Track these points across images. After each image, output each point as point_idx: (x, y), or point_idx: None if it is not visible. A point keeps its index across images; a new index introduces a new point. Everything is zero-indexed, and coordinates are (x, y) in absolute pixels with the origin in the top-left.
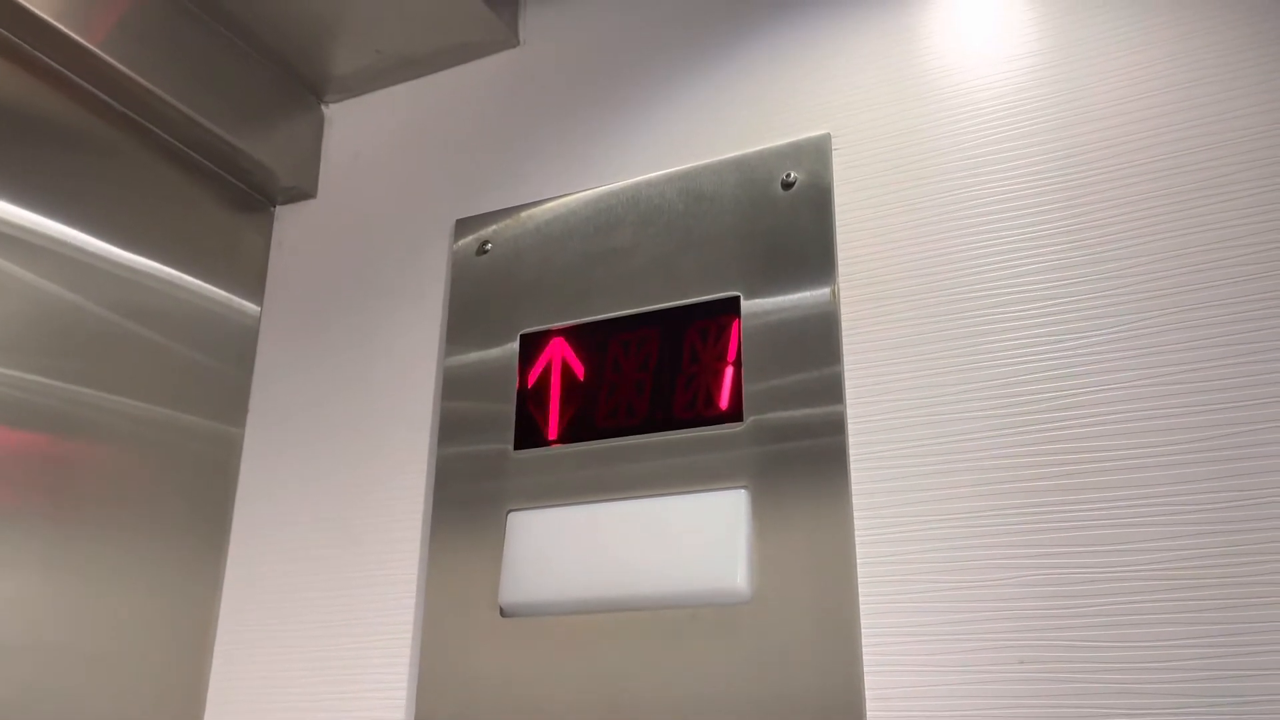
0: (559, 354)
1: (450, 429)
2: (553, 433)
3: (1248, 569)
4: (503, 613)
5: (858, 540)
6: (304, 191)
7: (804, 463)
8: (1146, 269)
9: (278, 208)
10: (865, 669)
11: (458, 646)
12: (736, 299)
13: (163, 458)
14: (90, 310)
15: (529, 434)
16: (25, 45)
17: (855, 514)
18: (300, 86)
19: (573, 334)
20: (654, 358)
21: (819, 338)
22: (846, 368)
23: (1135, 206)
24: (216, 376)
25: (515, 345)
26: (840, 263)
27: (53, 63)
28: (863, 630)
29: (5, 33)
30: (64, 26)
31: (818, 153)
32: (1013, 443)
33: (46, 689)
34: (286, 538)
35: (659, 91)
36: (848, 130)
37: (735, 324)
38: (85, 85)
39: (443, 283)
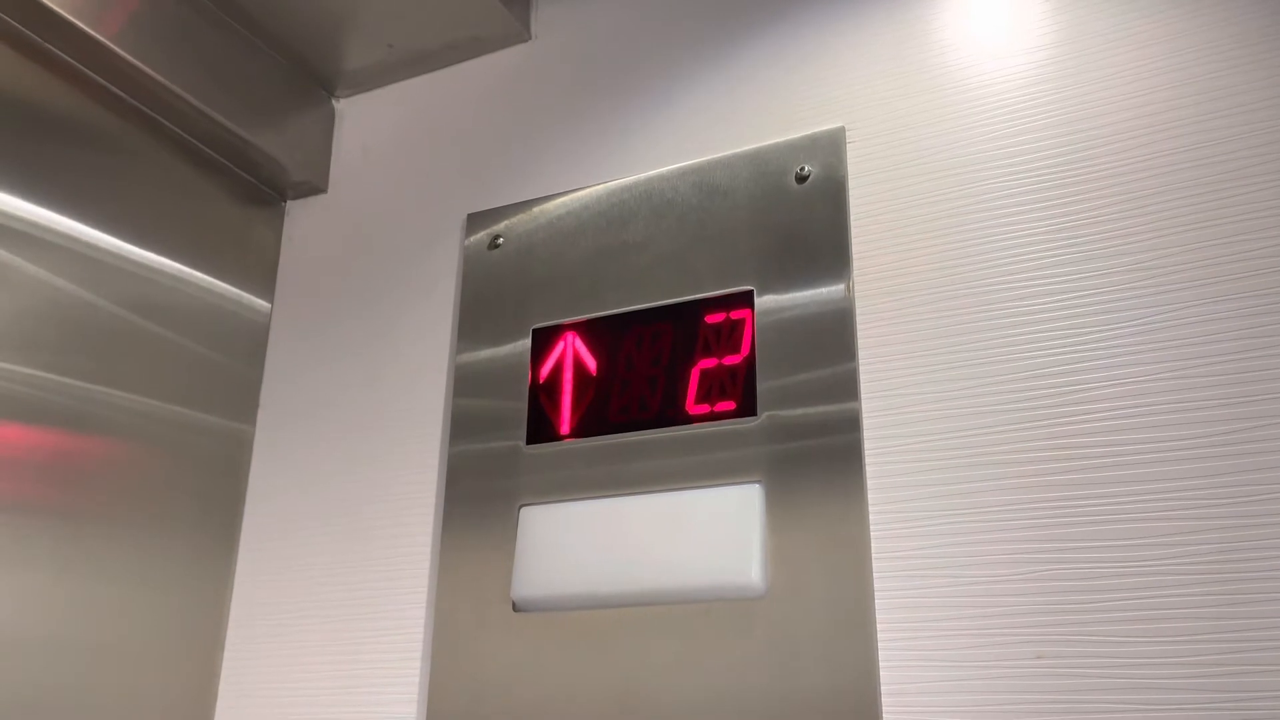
0: (571, 348)
1: (462, 425)
2: (565, 428)
3: (1266, 563)
4: (515, 607)
5: (873, 534)
6: (315, 186)
7: (818, 458)
8: (1163, 263)
9: (288, 202)
10: (880, 664)
11: (470, 641)
12: (750, 293)
13: (173, 455)
14: (101, 306)
15: (541, 429)
16: (38, 39)
17: (870, 508)
18: (311, 81)
19: (585, 328)
20: (667, 352)
21: (834, 334)
22: (861, 363)
23: (1151, 200)
24: (227, 373)
25: (527, 341)
26: (855, 256)
27: (65, 56)
28: (878, 625)
29: (18, 25)
30: (77, 20)
31: (832, 146)
32: (1030, 437)
33: (58, 685)
34: (297, 534)
35: (671, 85)
36: (862, 123)
37: (749, 318)
38: (97, 79)
39: (454, 278)
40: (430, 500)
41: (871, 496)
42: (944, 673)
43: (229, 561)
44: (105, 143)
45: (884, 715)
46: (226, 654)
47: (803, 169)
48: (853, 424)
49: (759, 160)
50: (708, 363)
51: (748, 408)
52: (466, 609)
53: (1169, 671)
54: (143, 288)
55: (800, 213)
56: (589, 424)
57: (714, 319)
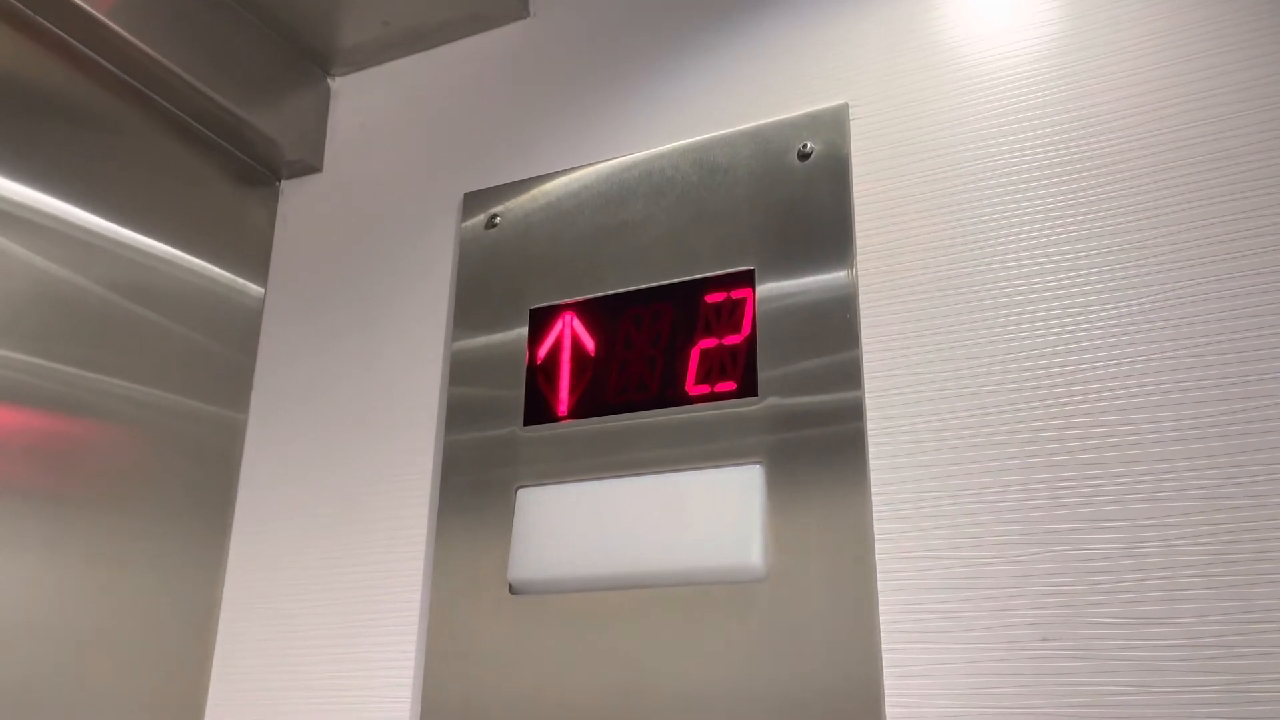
0: (569, 329)
1: (458, 412)
2: (562, 409)
3: (1273, 543)
4: (512, 590)
5: (875, 516)
6: (309, 165)
7: (820, 440)
8: (1171, 239)
9: (283, 182)
10: (883, 646)
11: (466, 624)
12: (751, 272)
13: (165, 442)
14: (90, 289)
15: (538, 410)
16: (29, 11)
17: (873, 489)
18: (306, 59)
19: (583, 309)
20: (666, 332)
21: (836, 319)
22: (865, 345)
23: (1158, 176)
24: (220, 358)
25: (524, 328)
26: (858, 235)
27: (58, 30)
28: (880, 607)
29: None
30: None
31: (835, 123)
32: (1034, 417)
33: (49, 671)
34: (290, 520)
35: (671, 61)
36: (865, 100)
37: (750, 297)
38: (90, 54)
39: (451, 258)
40: (426, 485)
41: (874, 477)
42: (948, 655)
43: (221, 547)
44: (96, 120)
45: (886, 698)
46: (219, 638)
47: (805, 146)
48: (855, 407)
49: (760, 138)
50: (708, 343)
51: (748, 388)
52: (463, 591)
53: (1176, 654)
54: (133, 270)
55: (802, 191)
56: (587, 405)
57: (714, 298)
